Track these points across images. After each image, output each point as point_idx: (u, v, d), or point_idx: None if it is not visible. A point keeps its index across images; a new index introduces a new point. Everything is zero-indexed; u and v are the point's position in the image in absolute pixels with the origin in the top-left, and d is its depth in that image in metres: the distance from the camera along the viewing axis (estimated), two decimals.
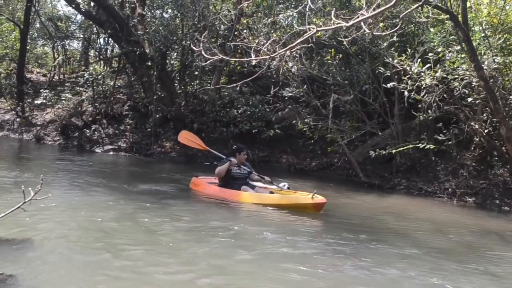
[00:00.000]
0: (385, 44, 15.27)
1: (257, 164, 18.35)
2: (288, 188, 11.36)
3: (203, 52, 9.81)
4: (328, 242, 7.99)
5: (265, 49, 8.60)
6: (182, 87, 21.20)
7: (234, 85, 17.04)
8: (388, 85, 14.24)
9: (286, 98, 18.12)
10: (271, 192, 11.00)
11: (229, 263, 6.31)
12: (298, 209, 9.86)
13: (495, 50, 13.64)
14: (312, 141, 17.25)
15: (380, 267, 6.77)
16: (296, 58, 16.81)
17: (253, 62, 14.60)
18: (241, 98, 19.62)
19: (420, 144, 14.40)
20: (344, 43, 14.95)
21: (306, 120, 17.26)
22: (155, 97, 19.77)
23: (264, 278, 5.83)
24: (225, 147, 18.74)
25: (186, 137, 12.95)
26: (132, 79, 22.72)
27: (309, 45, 12.57)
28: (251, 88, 20.68)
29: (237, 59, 15.51)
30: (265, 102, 19.45)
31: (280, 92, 18.01)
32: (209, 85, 20.55)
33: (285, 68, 17.45)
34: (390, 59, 14.07)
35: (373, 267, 6.71)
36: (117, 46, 22.89)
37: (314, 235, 8.46)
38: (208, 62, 11.05)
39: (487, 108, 14.50)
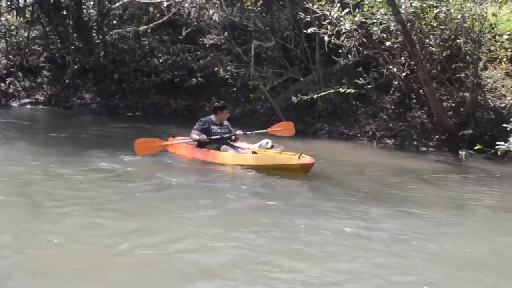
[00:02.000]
0: None
1: (180, 113, 18.25)
2: (272, 146, 10.25)
3: None
4: (252, 187, 8.11)
5: None
6: (101, 36, 20.60)
7: (146, 27, 16.74)
8: (309, 31, 14.29)
9: (208, 46, 17.91)
10: (254, 153, 10.02)
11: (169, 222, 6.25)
12: (283, 170, 8.99)
13: None
14: (235, 89, 17.26)
15: (305, 209, 6.93)
16: (217, 5, 16.60)
17: (165, 4, 14.25)
18: (162, 47, 19.28)
19: (341, 89, 14.65)
20: None
21: (228, 67, 17.21)
22: (72, 47, 19.22)
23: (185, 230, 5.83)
24: (146, 97, 18.48)
25: (143, 147, 10.14)
26: (47, 29, 21.85)
27: None
28: (172, 37, 20.32)
29: (146, 1, 15.09)
30: (186, 50, 19.19)
31: (201, 39, 17.80)
32: (128, 34, 20.04)
33: (206, 15, 17.24)
34: (310, 4, 14.07)
35: (296, 210, 6.84)
36: None
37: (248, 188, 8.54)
38: (117, 4, 10.64)
39: (405, 52, 14.84)
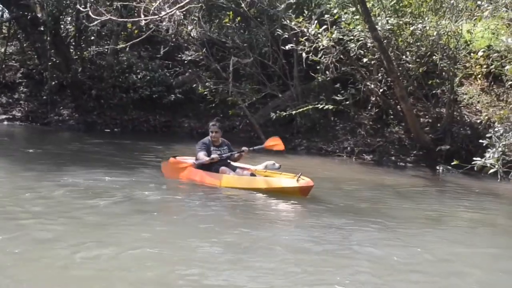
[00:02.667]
0: (282, 6, 15.34)
1: (159, 129, 18.20)
2: (279, 167, 9.62)
3: (90, 13, 9.55)
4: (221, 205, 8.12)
5: (155, 10, 8.45)
6: (78, 52, 20.52)
7: (124, 45, 16.63)
8: (287, 47, 14.37)
9: (186, 62, 17.92)
10: (252, 174, 9.46)
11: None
12: (281, 193, 8.57)
13: (389, 12, 14.04)
14: (214, 105, 17.24)
15: (281, 225, 6.97)
16: (195, 21, 16.67)
17: (142, 23, 14.22)
18: (140, 63, 19.25)
19: (319, 105, 14.74)
20: (243, 5, 14.94)
21: (206, 83, 17.23)
22: (49, 63, 19.07)
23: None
24: (125, 113, 18.40)
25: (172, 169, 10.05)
26: (25, 45, 21.75)
27: (199, 5, 12.38)
28: (150, 53, 20.31)
29: (124, 20, 15.09)
30: (165, 66, 19.18)
31: (179, 56, 17.82)
32: (106, 50, 19.98)
33: (184, 31, 17.30)
34: (288, 21, 14.17)
35: (273, 225, 6.86)
36: (6, 10, 21.77)
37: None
38: (95, 23, 10.64)
39: (382, 68, 14.99)
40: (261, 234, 6.30)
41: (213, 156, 9.32)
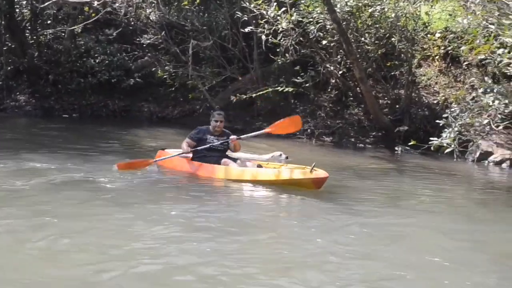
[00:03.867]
0: None
1: (118, 114, 17.99)
2: (287, 158, 8.93)
3: None
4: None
5: None
6: (34, 37, 20.10)
7: (79, 25, 16.26)
8: (246, 30, 14.32)
9: (145, 45, 17.71)
10: (259, 166, 8.71)
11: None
12: (292, 186, 7.92)
13: None
14: (173, 89, 17.09)
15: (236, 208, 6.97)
16: (153, 4, 16.48)
17: (95, 3, 14.01)
18: (98, 47, 18.94)
19: (279, 88, 14.72)
20: None
21: (166, 67, 17.07)
22: (4, 48, 18.67)
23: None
24: (83, 98, 18.13)
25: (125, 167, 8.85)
26: None
27: None
28: (108, 37, 20.01)
29: (78, 1, 14.82)
30: (123, 50, 18.92)
31: (138, 39, 17.61)
32: (63, 34, 19.60)
33: (143, 15, 17.10)
34: (247, 3, 14.09)
35: (221, 209, 6.83)
36: None
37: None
38: (48, 3, 10.34)
39: (341, 50, 15.05)
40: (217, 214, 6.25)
41: (186, 149, 8.79)
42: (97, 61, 18.34)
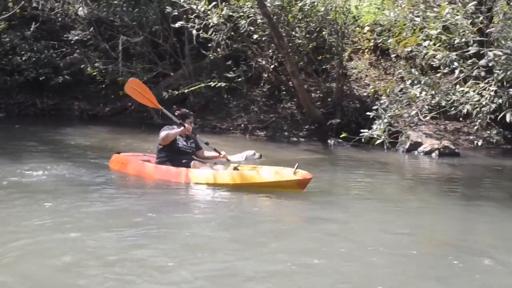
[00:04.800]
0: None
1: (47, 113, 17.52)
2: (260, 157, 8.62)
3: None
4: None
5: None
6: None
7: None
8: (177, 25, 14.16)
9: (73, 42, 17.28)
10: (236, 169, 8.07)
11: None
12: (274, 188, 7.42)
13: None
14: (104, 86, 16.79)
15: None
16: (80, 0, 16.13)
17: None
18: (25, 44, 18.36)
19: (211, 83, 14.66)
20: None
21: (95, 64, 16.73)
22: None
23: None
24: (10, 97, 17.55)
25: (135, 88, 9.08)
26: None
27: None
28: (35, 33, 19.43)
29: None
30: (51, 47, 18.39)
31: (66, 36, 17.18)
32: None
33: (71, 10, 16.71)
34: None
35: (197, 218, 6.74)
36: None
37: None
38: None
39: (272, 45, 15.08)
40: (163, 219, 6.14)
41: (185, 124, 8.10)
42: (23, 58, 17.76)
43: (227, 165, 8.28)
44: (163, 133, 8.02)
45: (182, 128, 8.08)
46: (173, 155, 8.11)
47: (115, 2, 16.45)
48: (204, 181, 7.67)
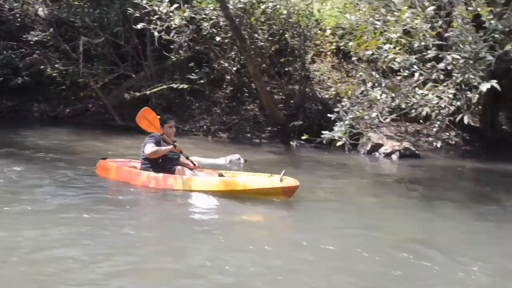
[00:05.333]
0: None
1: (6, 115, 17.20)
2: (245, 161, 8.59)
3: None
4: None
5: None
6: None
7: None
8: (139, 26, 14.03)
9: (33, 42, 17.00)
10: (220, 175, 7.92)
11: None
12: (259, 195, 7.27)
13: None
14: (64, 87, 16.58)
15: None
16: (41, 0, 15.90)
17: None
18: None
19: (173, 84, 14.61)
20: None
21: (56, 65, 16.47)
22: None
23: None
24: None
25: (146, 117, 8.62)
26: None
27: None
28: None
29: None
30: (10, 48, 18.04)
31: (25, 36, 16.89)
32: None
33: (31, 11, 16.45)
34: None
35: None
36: None
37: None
38: None
39: (235, 47, 15.09)
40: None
41: (168, 147, 7.87)
42: None
43: (213, 172, 8.15)
44: (152, 149, 7.78)
45: (171, 147, 7.94)
46: (158, 162, 7.95)
47: (76, 3, 16.22)
48: (188, 188, 7.50)
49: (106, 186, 8.07)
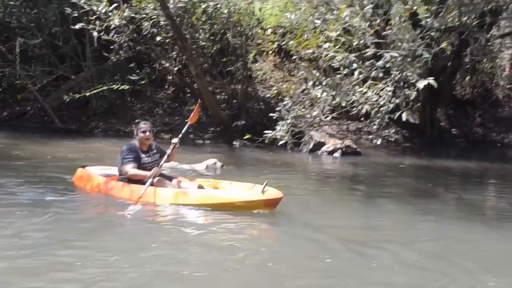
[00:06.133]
0: None
1: None
2: (222, 166, 8.24)
3: None
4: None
5: None
6: None
7: None
8: (77, 27, 13.77)
9: None
10: (200, 187, 7.39)
11: None
12: (240, 208, 6.71)
13: None
14: (1, 90, 16.12)
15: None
16: None
17: None
18: None
19: (114, 86, 14.41)
20: None
21: None
22: None
23: None
24: None
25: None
26: None
27: None
28: None
29: None
30: None
31: None
32: None
33: None
34: None
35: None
36: None
37: None
38: None
39: (176, 47, 14.98)
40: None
41: (154, 171, 7.05)
42: None
43: (192, 181, 7.65)
44: (131, 171, 7.10)
45: (150, 173, 7.04)
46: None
47: (12, 2, 15.79)
48: (166, 200, 6.94)
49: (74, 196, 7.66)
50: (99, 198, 7.35)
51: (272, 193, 6.73)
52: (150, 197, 6.96)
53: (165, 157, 7.32)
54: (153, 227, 6.24)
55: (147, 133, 7.24)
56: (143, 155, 7.24)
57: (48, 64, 16.59)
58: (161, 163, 7.24)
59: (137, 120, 7.71)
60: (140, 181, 7.10)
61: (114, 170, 7.80)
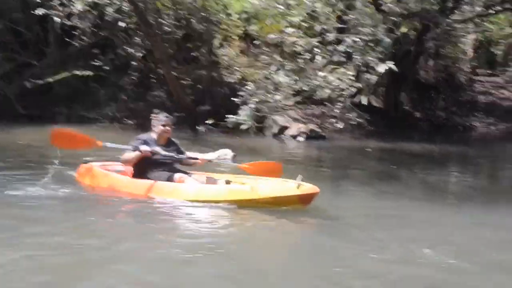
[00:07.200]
0: None
1: None
2: (235, 155, 7.92)
3: None
4: None
5: None
6: None
7: None
8: (39, 12, 13.61)
9: None
10: (228, 182, 6.78)
11: None
12: (272, 205, 6.13)
13: None
14: None
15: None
16: None
17: None
18: None
19: (78, 72, 14.29)
20: None
21: None
22: None
23: None
24: None
25: (62, 139, 7.07)
26: None
27: None
28: None
29: None
30: None
31: None
32: None
33: None
34: None
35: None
36: None
37: None
38: None
39: (140, 32, 14.89)
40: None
41: (145, 148, 6.45)
42: None
43: (209, 175, 7.03)
44: (122, 157, 6.69)
45: (139, 152, 6.47)
46: (150, 167, 6.65)
47: None
48: (189, 198, 6.36)
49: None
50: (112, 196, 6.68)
51: (307, 187, 6.15)
52: (171, 194, 6.44)
53: (181, 156, 6.85)
54: (180, 223, 5.99)
55: (167, 128, 6.78)
56: (157, 148, 6.63)
57: (10, 50, 16.32)
58: (175, 155, 6.74)
59: (156, 110, 6.96)
60: (159, 178, 6.57)
61: (120, 167, 7.25)
